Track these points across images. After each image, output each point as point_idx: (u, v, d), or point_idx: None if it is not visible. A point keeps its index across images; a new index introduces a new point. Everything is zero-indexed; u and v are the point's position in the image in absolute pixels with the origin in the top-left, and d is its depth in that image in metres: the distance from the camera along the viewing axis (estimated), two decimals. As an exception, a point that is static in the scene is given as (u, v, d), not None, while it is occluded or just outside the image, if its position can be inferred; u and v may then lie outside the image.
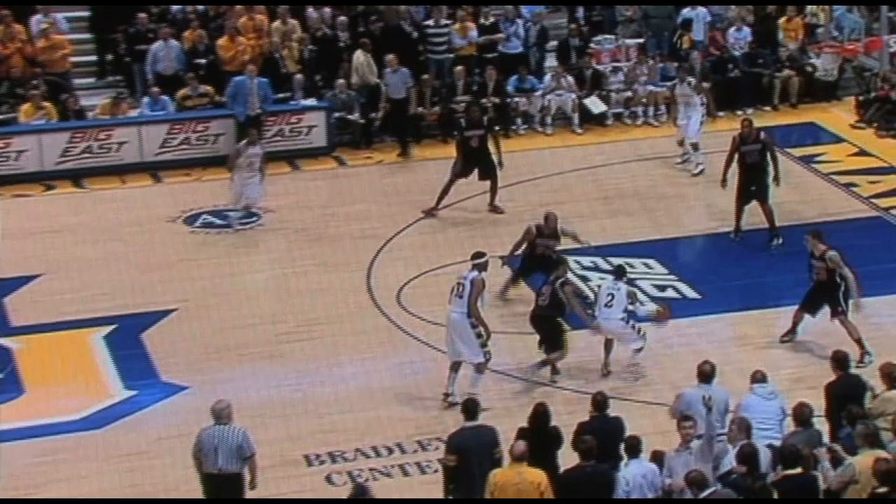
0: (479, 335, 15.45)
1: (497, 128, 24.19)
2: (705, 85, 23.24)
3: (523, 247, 17.90)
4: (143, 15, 24.31)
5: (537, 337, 16.32)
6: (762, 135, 19.77)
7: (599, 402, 13.15)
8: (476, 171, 20.68)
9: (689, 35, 24.92)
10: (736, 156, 19.50)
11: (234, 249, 20.01)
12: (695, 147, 22.04)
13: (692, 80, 22.52)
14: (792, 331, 16.92)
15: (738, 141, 19.58)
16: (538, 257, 17.71)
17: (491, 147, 20.53)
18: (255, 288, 18.77)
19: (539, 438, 12.68)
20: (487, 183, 20.73)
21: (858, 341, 16.29)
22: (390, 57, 23.31)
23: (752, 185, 19.40)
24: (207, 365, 16.80)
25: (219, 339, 17.40)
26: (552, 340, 16.08)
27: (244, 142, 20.50)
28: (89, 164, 22.69)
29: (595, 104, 24.45)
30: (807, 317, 16.78)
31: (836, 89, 25.76)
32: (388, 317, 17.91)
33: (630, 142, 23.93)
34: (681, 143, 22.40)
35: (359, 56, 24.11)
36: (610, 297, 16.10)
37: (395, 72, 23.29)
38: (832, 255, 16.41)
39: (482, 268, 15.70)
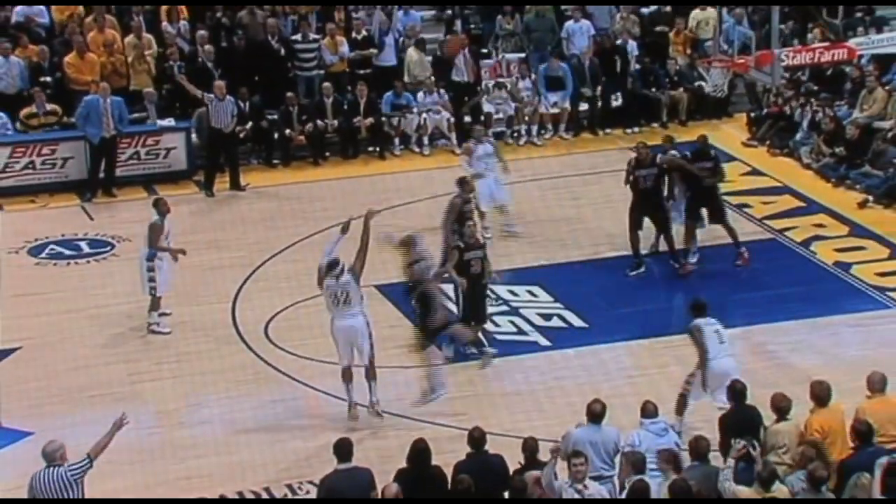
0: (370, 335, 15.87)
1: (371, 149, 24.37)
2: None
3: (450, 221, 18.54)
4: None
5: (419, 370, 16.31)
6: (659, 157, 19.91)
7: (476, 438, 13.05)
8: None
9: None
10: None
11: (84, 282, 19.75)
12: None
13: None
14: None
15: (634, 164, 19.66)
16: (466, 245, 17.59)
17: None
18: (107, 323, 18.50)
19: (419, 480, 12.59)
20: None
21: None
22: (218, 83, 22.66)
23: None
24: (54, 408, 16.53)
25: (67, 380, 17.14)
26: None
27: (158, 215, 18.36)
28: (-80, 190, 22.31)
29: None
30: None
31: (727, 105, 26.23)
32: (255, 352, 17.79)
33: (512, 162, 24.02)
34: None
35: (411, 54, 24.72)
36: None
37: (221, 100, 22.48)
38: None
39: (343, 271, 15.90)
